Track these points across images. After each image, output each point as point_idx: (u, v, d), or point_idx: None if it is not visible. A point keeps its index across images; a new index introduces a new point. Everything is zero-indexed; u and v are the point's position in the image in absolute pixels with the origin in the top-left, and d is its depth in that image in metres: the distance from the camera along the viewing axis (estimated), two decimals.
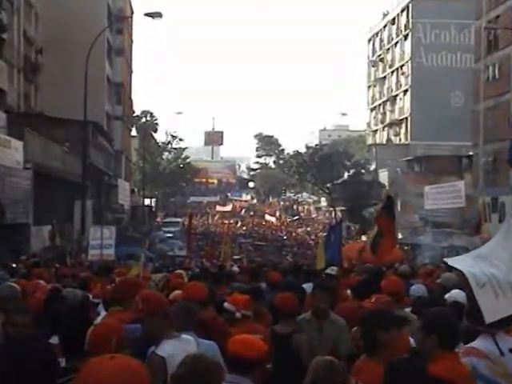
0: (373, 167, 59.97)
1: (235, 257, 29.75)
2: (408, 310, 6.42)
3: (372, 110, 75.99)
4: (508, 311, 2.74)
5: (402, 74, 66.15)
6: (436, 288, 8.67)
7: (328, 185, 69.55)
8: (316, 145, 79.10)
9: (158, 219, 73.23)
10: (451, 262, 2.95)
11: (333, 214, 68.86)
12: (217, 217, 79.11)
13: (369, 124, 77.09)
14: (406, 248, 33.02)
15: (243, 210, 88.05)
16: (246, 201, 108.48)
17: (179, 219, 70.10)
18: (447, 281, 8.45)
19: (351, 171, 65.69)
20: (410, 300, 7.09)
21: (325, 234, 53.52)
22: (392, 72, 69.32)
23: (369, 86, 77.50)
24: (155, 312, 4.34)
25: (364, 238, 48.36)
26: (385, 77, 71.52)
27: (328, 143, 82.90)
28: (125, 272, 12.25)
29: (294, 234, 60.82)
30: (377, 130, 73.61)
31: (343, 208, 61.67)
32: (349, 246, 21.21)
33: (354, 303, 6.63)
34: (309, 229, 64.91)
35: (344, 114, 59.34)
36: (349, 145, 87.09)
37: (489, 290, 2.74)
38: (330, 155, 69.04)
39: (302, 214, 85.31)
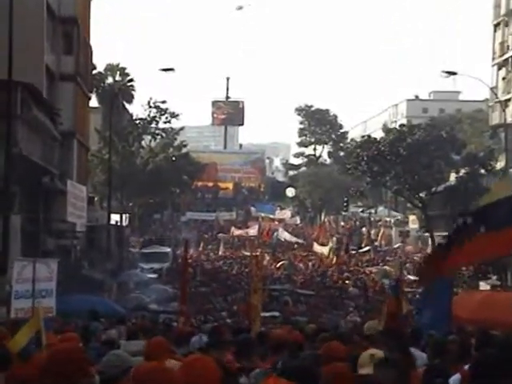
0: (501, 163, 59.50)
1: (264, 314, 29.59)
2: None
3: (500, 66, 75.51)
4: None
5: None
6: None
7: (422, 194, 69.15)
8: (401, 125, 78.80)
9: (134, 248, 73.42)
10: None
11: (429, 243, 68.44)
12: (233, 246, 79.13)
13: (494, 90, 76.52)
14: None
15: (277, 235, 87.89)
16: (281, 220, 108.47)
17: (168, 249, 70.17)
18: None
19: (462, 170, 65.25)
20: None
21: (417, 278, 53.38)
22: None
23: (496, 25, 77.02)
24: None
25: (485, 285, 47.95)
26: None
27: (422, 123, 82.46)
28: (75, 338, 12.15)
29: (362, 277, 60.52)
30: (508, 101, 73.07)
31: (447, 233, 61.31)
32: (459, 299, 20.88)
33: None
34: (387, 267, 64.54)
35: (451, 74, 58.56)
36: (459, 125, 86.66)
37: None
38: (425, 143, 68.67)
39: (376, 243, 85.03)
